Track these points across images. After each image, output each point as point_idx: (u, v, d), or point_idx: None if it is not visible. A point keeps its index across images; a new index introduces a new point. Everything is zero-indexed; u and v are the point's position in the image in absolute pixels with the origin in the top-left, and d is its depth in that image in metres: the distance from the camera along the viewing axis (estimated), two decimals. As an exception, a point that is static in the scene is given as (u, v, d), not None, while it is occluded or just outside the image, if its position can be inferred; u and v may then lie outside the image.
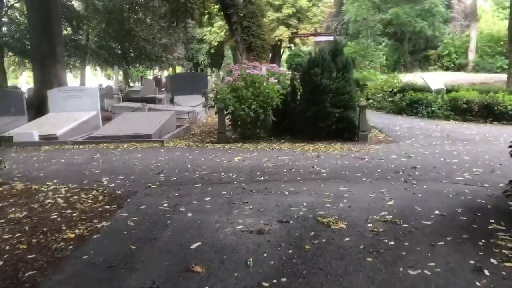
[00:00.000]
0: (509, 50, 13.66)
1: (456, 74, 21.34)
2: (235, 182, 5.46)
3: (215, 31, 35.70)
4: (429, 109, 11.92)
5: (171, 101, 15.75)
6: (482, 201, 4.41)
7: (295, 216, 4.02)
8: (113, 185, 5.46)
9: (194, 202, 4.59)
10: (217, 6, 22.92)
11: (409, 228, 3.67)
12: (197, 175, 5.86)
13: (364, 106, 8.56)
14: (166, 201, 4.63)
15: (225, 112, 8.79)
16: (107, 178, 5.78)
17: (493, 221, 3.77)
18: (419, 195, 4.66)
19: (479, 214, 3.97)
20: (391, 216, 3.95)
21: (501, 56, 27.15)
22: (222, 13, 22.46)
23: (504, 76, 15.76)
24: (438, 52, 29.31)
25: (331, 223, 3.80)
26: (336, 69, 8.67)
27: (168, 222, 3.98)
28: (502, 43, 27.80)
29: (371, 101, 14.15)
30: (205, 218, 4.03)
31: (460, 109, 11.17)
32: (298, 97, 9.25)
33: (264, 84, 8.82)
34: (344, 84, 8.50)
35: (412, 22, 27.94)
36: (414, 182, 5.22)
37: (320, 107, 8.35)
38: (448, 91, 12.64)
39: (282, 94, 8.69)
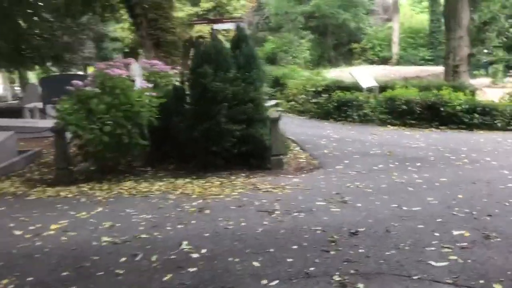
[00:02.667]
0: (446, 39, 11.92)
1: (385, 68, 19.93)
2: (-8, 315, 2.54)
3: (128, 27, 32.06)
4: (360, 112, 9.67)
5: (43, 111, 12.23)
6: None
7: None
8: None
9: None
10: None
11: None
12: None
13: (277, 119, 5.94)
14: None
15: (70, 136, 5.77)
16: None
17: None
18: None
19: None
20: None
21: (422, 48, 26.81)
22: (123, 4, 19.43)
23: (436, 68, 14.19)
24: (362, 45, 28.22)
25: None
26: (236, 65, 6.03)
27: None
28: (421, 34, 27.61)
29: (292, 103, 11.74)
30: None
31: (398, 111, 8.97)
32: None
33: (136, 90, 5.99)
34: (247, 88, 5.84)
35: (334, 14, 26.48)
36: (360, 286, 2.63)
37: (211, 122, 5.63)
38: (382, 89, 10.51)
39: (154, 106, 5.82)
